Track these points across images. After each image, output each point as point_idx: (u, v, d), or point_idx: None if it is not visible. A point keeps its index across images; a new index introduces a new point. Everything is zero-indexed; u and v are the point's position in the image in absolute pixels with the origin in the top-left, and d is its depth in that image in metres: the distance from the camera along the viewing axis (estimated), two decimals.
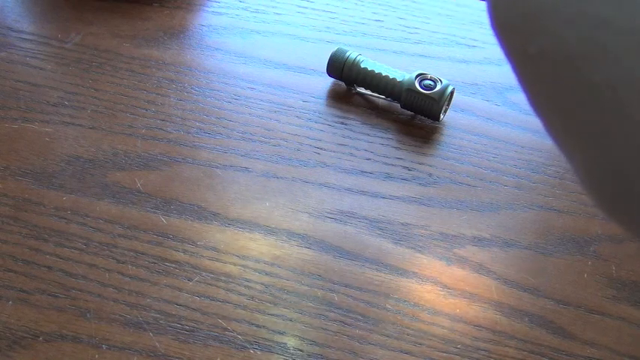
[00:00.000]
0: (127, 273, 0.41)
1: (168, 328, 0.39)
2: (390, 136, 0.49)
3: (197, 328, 0.39)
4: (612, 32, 0.16)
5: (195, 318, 0.39)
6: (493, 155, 0.49)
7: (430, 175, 0.47)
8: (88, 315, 0.39)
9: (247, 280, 0.41)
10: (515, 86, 0.53)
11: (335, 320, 0.40)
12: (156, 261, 0.41)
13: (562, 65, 0.18)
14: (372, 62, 0.50)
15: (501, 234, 0.44)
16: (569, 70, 0.18)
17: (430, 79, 0.49)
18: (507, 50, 0.20)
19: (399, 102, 0.50)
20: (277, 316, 0.40)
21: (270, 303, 0.40)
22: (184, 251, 0.42)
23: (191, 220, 0.44)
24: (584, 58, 0.17)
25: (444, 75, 0.50)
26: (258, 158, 0.47)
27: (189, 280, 0.41)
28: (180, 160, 0.47)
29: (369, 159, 0.48)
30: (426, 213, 0.45)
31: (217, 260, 0.42)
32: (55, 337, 0.38)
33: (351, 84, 0.51)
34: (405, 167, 0.48)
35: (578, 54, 0.17)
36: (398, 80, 0.49)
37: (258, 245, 0.43)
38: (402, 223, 0.44)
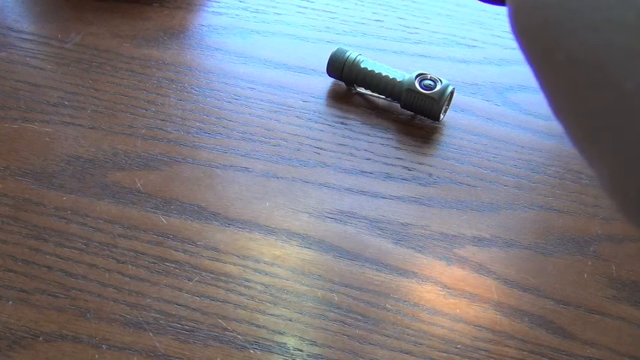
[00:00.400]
0: (127, 273, 0.41)
1: (168, 328, 0.39)
2: (390, 136, 0.49)
3: (197, 328, 0.39)
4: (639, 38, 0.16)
5: (195, 318, 0.39)
6: (493, 155, 0.49)
7: (430, 175, 0.47)
8: (88, 315, 0.39)
9: (247, 280, 0.41)
10: (515, 86, 0.53)
11: (335, 320, 0.40)
12: (156, 261, 0.41)
13: (590, 72, 0.18)
14: (372, 62, 0.50)
15: (501, 234, 0.44)
16: (598, 77, 0.17)
17: (430, 79, 0.49)
18: (530, 56, 0.20)
19: (399, 102, 0.50)
20: (277, 316, 0.40)
21: (270, 303, 0.40)
22: (184, 251, 0.42)
23: (191, 220, 0.44)
24: (613, 65, 0.17)
25: (444, 75, 0.50)
26: (258, 158, 0.47)
27: (189, 280, 0.41)
28: (180, 160, 0.47)
29: (369, 159, 0.48)
30: (426, 213, 0.45)
31: (217, 260, 0.42)
32: (55, 337, 0.38)
33: (351, 84, 0.51)
34: (405, 167, 0.48)
35: (608, 60, 0.17)
36: (398, 80, 0.49)
37: (258, 245, 0.43)
38: (402, 223, 0.44)
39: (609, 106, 0.17)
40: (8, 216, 0.43)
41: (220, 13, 0.57)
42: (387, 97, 0.50)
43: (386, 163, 0.48)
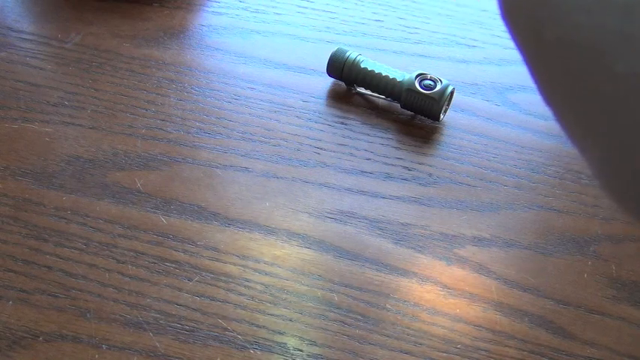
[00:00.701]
0: (127, 273, 0.41)
1: (168, 328, 0.39)
2: (390, 136, 0.49)
3: (197, 328, 0.39)
4: (633, 20, 0.16)
5: (195, 318, 0.39)
6: (493, 155, 0.49)
7: (430, 175, 0.47)
8: (88, 315, 0.39)
9: (247, 280, 0.41)
10: (515, 86, 0.53)
11: (335, 320, 0.40)
12: (156, 261, 0.41)
13: (581, 53, 0.17)
14: (372, 62, 0.50)
15: (501, 234, 0.44)
16: (588, 58, 0.17)
17: (430, 79, 0.49)
18: (519, 39, 0.20)
19: (399, 102, 0.50)
20: (277, 316, 0.40)
21: (270, 303, 0.40)
22: (184, 251, 0.42)
23: (191, 220, 0.44)
24: (604, 47, 0.17)
25: (444, 75, 0.50)
26: (258, 158, 0.47)
27: (189, 280, 0.41)
28: (180, 160, 0.47)
29: (369, 159, 0.48)
30: (426, 213, 0.45)
31: (217, 260, 0.42)
32: (55, 337, 0.38)
33: (351, 84, 0.51)
34: (405, 167, 0.48)
35: (599, 42, 0.17)
36: (398, 80, 0.49)
37: (258, 245, 0.43)
38: (402, 223, 0.44)
39: (601, 89, 0.17)
40: (8, 216, 0.43)
41: (220, 13, 0.57)
42: (387, 97, 0.50)
43: (386, 163, 0.48)
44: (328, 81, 0.52)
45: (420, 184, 0.47)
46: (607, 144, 0.18)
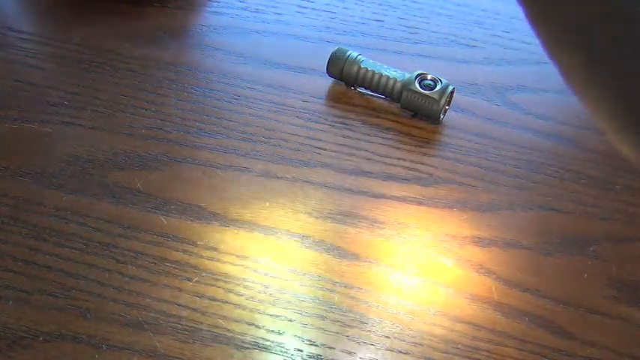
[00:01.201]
0: (127, 273, 0.41)
1: (169, 328, 0.39)
2: (390, 136, 0.49)
3: (197, 328, 0.39)
4: None
5: (195, 318, 0.39)
6: (493, 155, 0.49)
7: (430, 175, 0.47)
8: (88, 315, 0.39)
9: (247, 280, 0.41)
10: (515, 86, 0.53)
11: (335, 320, 0.40)
12: (156, 261, 0.41)
13: (615, 44, 0.17)
14: (372, 62, 0.50)
15: (501, 234, 0.44)
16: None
17: (430, 79, 0.49)
18: (546, 39, 0.20)
19: (399, 102, 0.50)
20: (277, 316, 0.40)
21: (269, 303, 0.40)
22: (184, 251, 0.42)
23: (191, 220, 0.44)
24: None
25: (444, 75, 0.50)
26: (258, 158, 0.47)
27: (189, 280, 0.41)
28: (180, 160, 0.47)
29: (369, 159, 0.48)
30: (426, 213, 0.45)
31: (217, 260, 0.42)
32: (55, 337, 0.38)
33: (351, 84, 0.51)
34: (405, 167, 0.48)
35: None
36: (398, 80, 0.49)
37: (258, 245, 0.43)
38: (402, 223, 0.44)
39: (613, 34, 0.17)
40: (8, 216, 0.43)
41: (220, 13, 0.57)
42: (387, 97, 0.50)
43: (386, 163, 0.48)
44: (328, 81, 0.52)
45: (420, 184, 0.47)
46: (623, 91, 0.18)
